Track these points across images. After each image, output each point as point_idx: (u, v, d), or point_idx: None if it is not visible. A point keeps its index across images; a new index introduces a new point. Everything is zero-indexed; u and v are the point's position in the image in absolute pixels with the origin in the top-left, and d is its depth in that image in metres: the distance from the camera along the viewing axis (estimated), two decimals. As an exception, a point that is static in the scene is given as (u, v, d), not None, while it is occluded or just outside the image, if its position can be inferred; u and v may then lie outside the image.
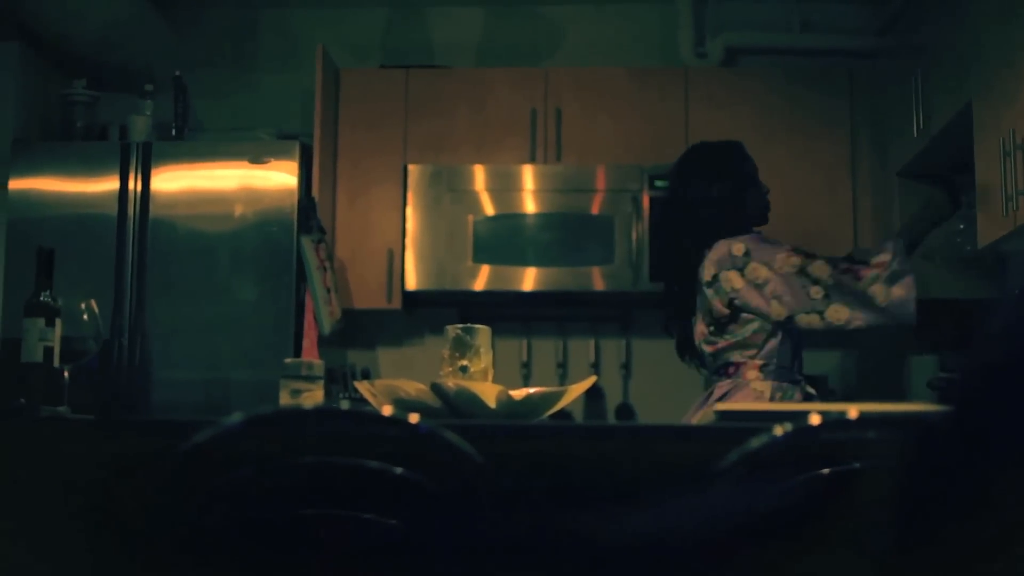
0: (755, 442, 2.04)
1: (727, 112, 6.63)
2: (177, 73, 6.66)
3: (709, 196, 4.71)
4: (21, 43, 6.53)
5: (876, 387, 6.46)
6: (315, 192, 6.27)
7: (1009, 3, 4.65)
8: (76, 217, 6.17)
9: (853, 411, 2.06)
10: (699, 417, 3.92)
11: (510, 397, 2.70)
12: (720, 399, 4.36)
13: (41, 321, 3.02)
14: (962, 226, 5.77)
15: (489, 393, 2.66)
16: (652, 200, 6.39)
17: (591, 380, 3.46)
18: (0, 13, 6.33)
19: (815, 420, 2.03)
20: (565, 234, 6.42)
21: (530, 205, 6.48)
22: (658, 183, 6.39)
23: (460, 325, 2.94)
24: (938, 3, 5.54)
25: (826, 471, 2.17)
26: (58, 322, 3.05)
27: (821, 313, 4.43)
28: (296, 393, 2.89)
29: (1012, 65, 4.59)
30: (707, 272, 4.60)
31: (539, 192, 6.47)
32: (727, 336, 4.55)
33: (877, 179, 6.55)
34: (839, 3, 7.06)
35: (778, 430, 2.04)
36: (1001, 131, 4.66)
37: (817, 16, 7.12)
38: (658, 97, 6.66)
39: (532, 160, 6.60)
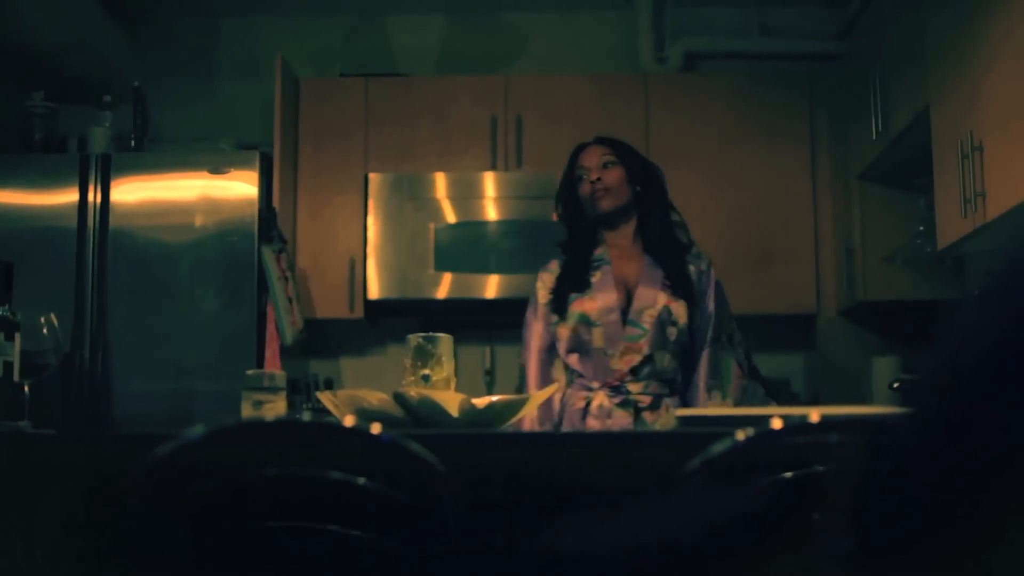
0: (717, 447, 2.05)
1: (687, 117, 6.66)
2: (136, 84, 6.64)
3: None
4: (-21, 55, 6.51)
5: (839, 389, 6.47)
6: (276, 202, 6.26)
7: (964, 6, 4.68)
8: (35, 229, 6.14)
9: (815, 414, 2.06)
10: (660, 423, 3.94)
11: (473, 406, 2.70)
12: None
13: (0, 335, 3.00)
14: (922, 228, 5.81)
15: (452, 402, 2.66)
16: (613, 206, 6.39)
17: (554, 387, 3.47)
18: (-43, 26, 6.31)
19: (777, 424, 2.03)
20: (527, 241, 6.43)
21: (492, 212, 6.49)
22: (619, 189, 6.40)
23: (422, 334, 2.93)
24: (895, 7, 5.58)
25: (789, 475, 2.17)
26: (17, 336, 3.03)
27: None
28: (258, 404, 2.88)
29: (968, 68, 4.62)
30: None
31: (500, 199, 6.47)
32: None
33: (837, 182, 6.58)
34: (798, 8, 7.09)
35: (740, 435, 2.04)
36: (959, 133, 4.69)
37: (776, 21, 7.15)
38: (618, 103, 6.67)
39: (493, 167, 6.61)
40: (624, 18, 7.21)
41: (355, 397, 2.79)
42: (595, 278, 4.24)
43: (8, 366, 3.00)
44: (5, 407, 2.98)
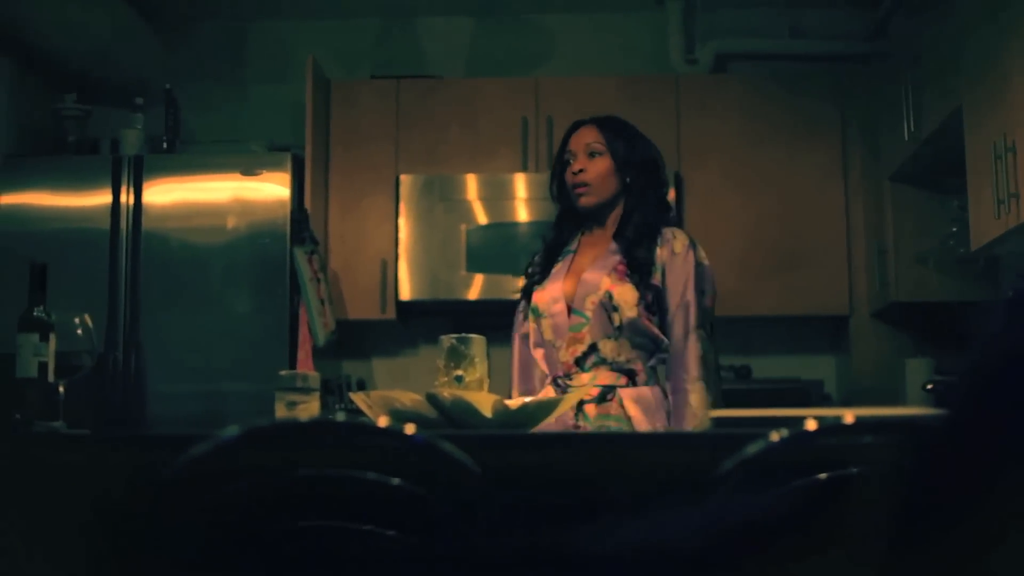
0: (752, 448, 2.04)
1: (718, 119, 6.65)
2: (168, 86, 6.66)
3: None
4: (12, 58, 6.53)
5: (872, 391, 6.45)
6: (307, 203, 6.27)
7: (997, 6, 4.65)
8: (68, 231, 6.16)
9: (849, 416, 2.06)
10: (696, 424, 3.91)
11: (506, 407, 2.70)
12: None
13: (35, 336, 3.01)
14: (954, 229, 5.78)
15: (485, 403, 2.65)
16: (644, 207, 6.39)
17: (586, 389, 3.47)
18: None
19: (811, 425, 2.03)
20: (558, 242, 6.42)
21: (523, 213, 6.48)
22: (651, 190, 6.39)
23: (455, 335, 2.93)
24: (927, 8, 5.55)
25: (823, 476, 2.17)
26: (52, 337, 3.04)
27: None
28: (292, 405, 2.89)
29: (1001, 68, 4.60)
30: None
31: (531, 200, 6.47)
32: None
33: (868, 183, 6.56)
34: (829, 9, 7.06)
35: (774, 436, 2.03)
36: (992, 134, 4.66)
37: (807, 22, 7.13)
38: (649, 105, 6.65)
39: (524, 169, 6.61)
40: (654, 19, 7.20)
41: (388, 398, 2.79)
42: (556, 268, 4.07)
43: (43, 367, 3.01)
44: (40, 407, 2.99)
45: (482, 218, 6.49)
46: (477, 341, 2.93)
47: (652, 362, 3.90)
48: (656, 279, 3.88)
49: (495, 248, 6.47)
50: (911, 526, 1.35)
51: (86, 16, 6.41)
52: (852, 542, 2.17)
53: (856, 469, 2.16)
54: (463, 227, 6.47)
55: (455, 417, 2.67)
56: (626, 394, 3.80)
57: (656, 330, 3.87)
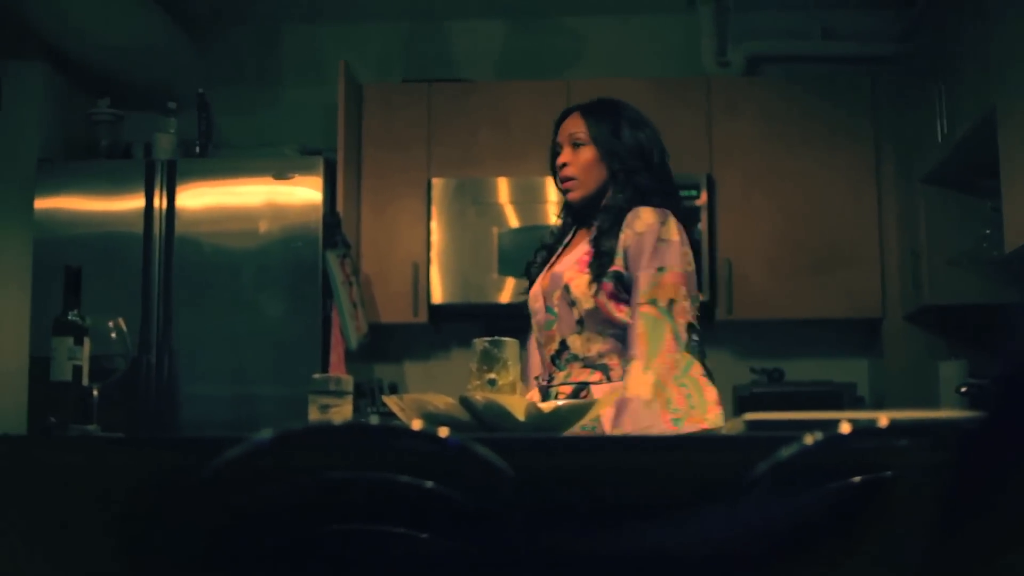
0: (785, 451, 2.04)
1: (750, 121, 6.63)
2: (200, 90, 6.68)
3: None
4: (45, 63, 6.56)
5: (905, 394, 6.43)
6: (340, 207, 6.28)
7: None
8: (102, 235, 6.19)
9: (883, 419, 2.05)
10: (728, 427, 3.87)
11: (539, 409, 2.69)
12: None
13: (70, 340, 3.02)
14: (988, 231, 5.76)
15: (518, 406, 2.65)
16: (676, 210, 6.38)
17: (619, 392, 3.46)
18: (25, 34, 6.36)
19: (846, 428, 2.02)
20: (590, 245, 6.42)
21: (554, 216, 6.43)
22: (683, 193, 6.38)
23: (487, 338, 2.93)
24: (960, 8, 5.53)
25: (857, 480, 2.16)
26: (86, 340, 3.05)
27: None
28: (325, 408, 2.89)
29: (1036, 69, 4.58)
30: None
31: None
32: None
33: (901, 185, 6.54)
34: (860, 10, 7.04)
35: (808, 439, 2.03)
36: (1026, 135, 4.65)
37: (839, 24, 7.11)
38: (680, 107, 6.65)
39: (555, 172, 6.60)
40: (686, 21, 7.19)
41: (421, 401, 2.79)
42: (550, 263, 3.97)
43: (77, 370, 3.02)
44: (74, 411, 3.00)
45: (514, 221, 6.49)
46: (510, 344, 2.92)
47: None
48: (619, 264, 3.69)
49: (527, 251, 6.40)
50: (947, 527, 1.34)
51: (120, 21, 6.44)
52: (887, 545, 2.16)
53: (890, 472, 2.15)
54: (495, 230, 6.47)
55: (488, 420, 2.68)
56: (598, 391, 3.64)
57: (629, 319, 3.67)
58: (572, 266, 3.78)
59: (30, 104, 6.56)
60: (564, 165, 3.92)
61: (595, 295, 3.68)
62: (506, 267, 6.43)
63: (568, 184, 3.92)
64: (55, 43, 6.51)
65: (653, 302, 3.59)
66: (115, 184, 6.28)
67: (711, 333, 6.84)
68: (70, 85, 6.82)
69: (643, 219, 3.71)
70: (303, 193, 6.16)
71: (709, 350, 6.81)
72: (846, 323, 6.82)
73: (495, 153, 6.67)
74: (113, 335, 3.15)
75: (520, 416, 2.65)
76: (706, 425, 3.40)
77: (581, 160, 3.88)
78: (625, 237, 3.70)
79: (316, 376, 2.98)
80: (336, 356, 6.07)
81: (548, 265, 3.95)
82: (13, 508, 2.54)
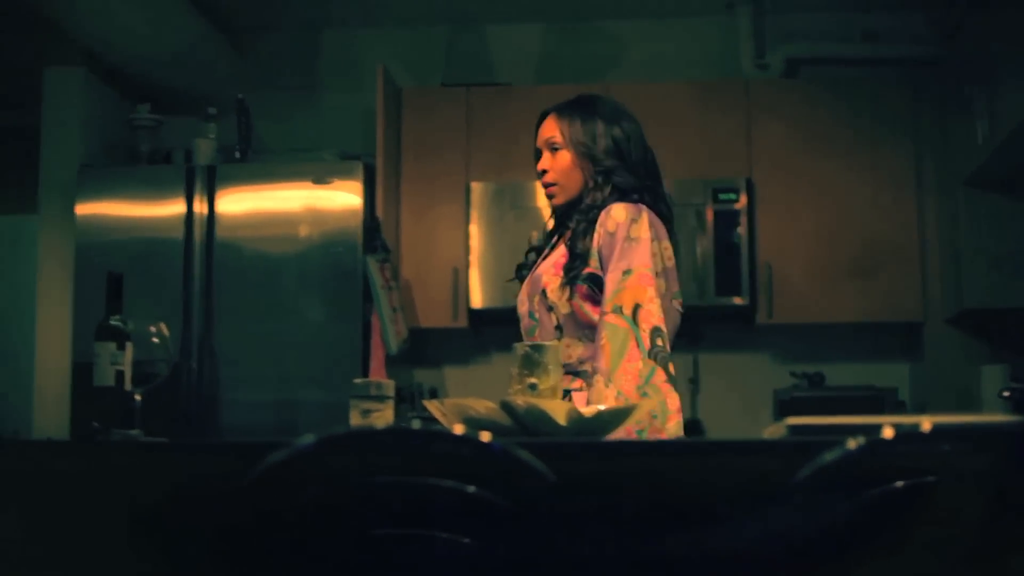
0: (828, 456, 2.03)
1: (789, 124, 6.62)
2: (240, 96, 6.70)
3: None
4: (87, 69, 6.61)
5: (947, 398, 6.40)
6: (379, 212, 6.28)
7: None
8: (143, 241, 6.22)
9: (926, 423, 2.04)
10: (771, 431, 3.84)
11: (580, 414, 2.69)
12: None
13: (112, 345, 3.04)
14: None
15: (559, 410, 2.65)
16: (716, 213, 6.38)
17: (663, 397, 3.45)
18: (66, 40, 6.40)
19: (888, 433, 2.02)
20: (629, 249, 6.41)
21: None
22: (722, 196, 6.38)
23: (528, 343, 2.93)
24: (1001, 8, 5.50)
25: (900, 484, 2.15)
26: (129, 346, 3.06)
27: None
28: (366, 413, 2.90)
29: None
30: None
31: (603, 207, 6.46)
32: None
33: (943, 188, 6.51)
34: (901, 12, 7.01)
35: (851, 443, 2.02)
36: (1069, 137, 4.62)
37: (878, 25, 7.07)
38: (720, 110, 6.65)
39: (595, 176, 6.59)
40: (724, 24, 7.17)
41: (462, 406, 2.79)
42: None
43: (120, 375, 3.04)
44: (117, 416, 3.01)
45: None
46: (551, 349, 2.92)
47: None
48: (593, 265, 3.62)
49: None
50: (993, 532, 1.34)
51: (160, 27, 6.47)
52: (929, 550, 2.15)
53: (933, 477, 2.14)
54: (534, 234, 6.44)
55: (529, 425, 2.67)
56: (579, 398, 3.53)
57: None
58: (549, 269, 3.74)
59: (72, 110, 6.60)
60: (544, 172, 3.89)
61: (569, 299, 3.63)
62: (546, 271, 6.42)
63: (550, 190, 3.88)
64: (96, 50, 6.55)
65: (618, 310, 3.49)
66: (156, 189, 6.31)
67: (751, 337, 6.84)
68: (111, 91, 6.86)
69: (613, 217, 3.63)
70: (343, 198, 6.17)
71: (749, 354, 6.86)
72: (887, 327, 6.79)
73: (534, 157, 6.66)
74: (155, 340, 3.17)
75: (561, 420, 2.65)
76: (665, 435, 3.33)
77: (559, 165, 3.85)
78: (598, 237, 3.65)
79: (357, 381, 2.99)
80: (376, 361, 6.08)
81: (534, 268, 3.89)
82: (56, 513, 2.56)
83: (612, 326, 3.46)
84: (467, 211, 6.58)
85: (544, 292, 3.69)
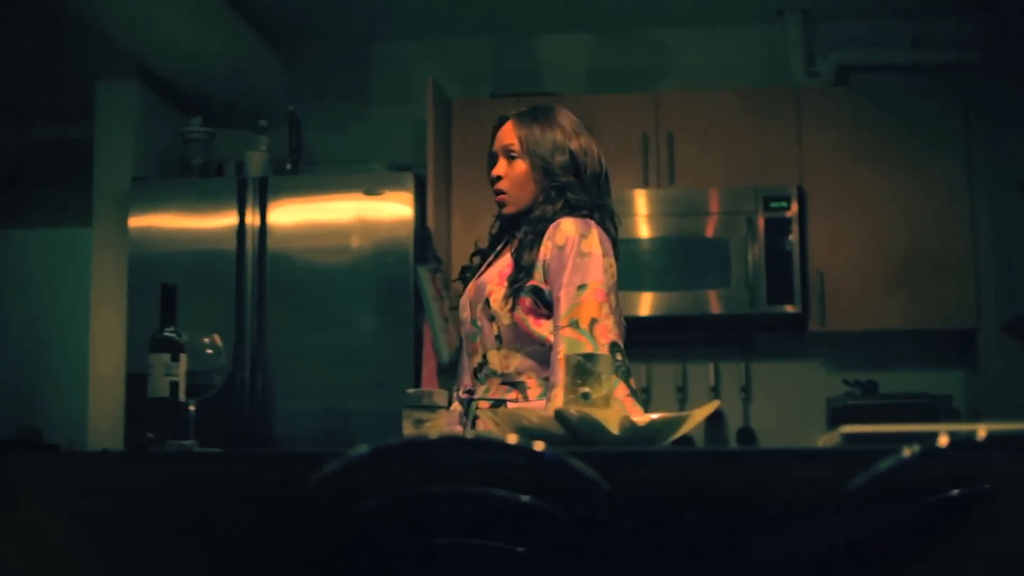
0: (883, 464, 2.02)
1: (840, 131, 6.59)
2: (291, 108, 6.73)
3: None
4: (139, 83, 6.66)
5: (1001, 406, 6.36)
6: (430, 222, 6.29)
7: None
8: (196, 253, 6.26)
9: (982, 431, 2.03)
10: (825, 439, 3.82)
11: (633, 423, 2.69)
12: None
13: (166, 356, 3.06)
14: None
15: (612, 420, 2.65)
16: (767, 221, 6.36)
17: (714, 404, 3.44)
18: (119, 54, 6.45)
19: (943, 441, 2.01)
20: (680, 258, 6.41)
21: (644, 230, 6.48)
22: (773, 204, 6.37)
23: (581, 352, 2.93)
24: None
25: (955, 492, 2.14)
26: (183, 357, 3.08)
27: None
28: (419, 423, 2.91)
29: None
30: None
31: (653, 216, 6.47)
32: None
33: (996, 194, 6.48)
34: (951, 18, 6.97)
35: (906, 451, 2.01)
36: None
37: (929, 31, 7.04)
38: (770, 118, 6.63)
39: (645, 185, 6.60)
40: (774, 32, 7.15)
41: (516, 415, 2.80)
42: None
43: (174, 386, 3.05)
44: (172, 426, 3.03)
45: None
46: (603, 358, 2.92)
47: (548, 373, 3.58)
48: (538, 278, 3.61)
49: (617, 265, 6.46)
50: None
51: (211, 40, 6.51)
52: (986, 558, 2.15)
53: (988, 485, 2.13)
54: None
55: (582, 434, 2.67)
56: (513, 408, 3.49)
57: (550, 336, 3.58)
58: (494, 279, 3.71)
59: (124, 123, 6.66)
60: (498, 178, 3.83)
61: (511, 310, 3.62)
62: (596, 280, 6.41)
63: (502, 198, 3.83)
64: (149, 63, 6.60)
65: (574, 324, 3.48)
66: (208, 201, 6.35)
67: (803, 345, 6.81)
68: (163, 104, 6.91)
69: (563, 231, 3.62)
70: (394, 209, 6.19)
71: (801, 362, 6.83)
72: (940, 334, 6.75)
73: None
74: (209, 351, 3.18)
75: (614, 430, 2.65)
76: None
77: (514, 173, 3.79)
78: (545, 250, 3.63)
79: (409, 391, 3.00)
80: (428, 371, 6.09)
81: (479, 273, 3.86)
82: (111, 524, 2.57)
83: (570, 340, 3.46)
84: (518, 221, 6.58)
85: (487, 301, 3.68)
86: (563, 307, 3.52)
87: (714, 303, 6.38)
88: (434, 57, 7.35)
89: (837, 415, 6.40)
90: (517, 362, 3.64)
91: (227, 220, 6.29)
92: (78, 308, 7.18)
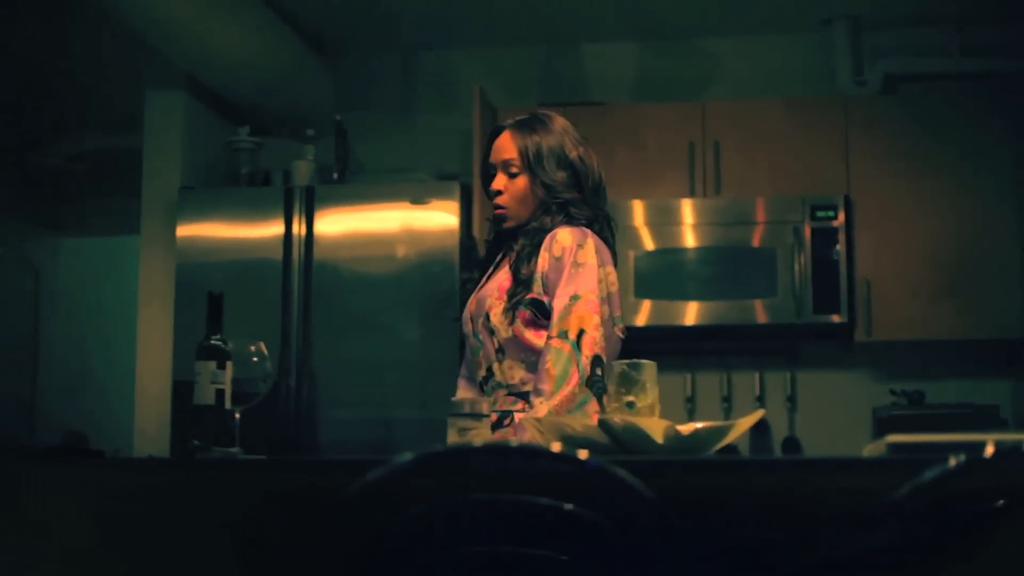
0: (929, 474, 2.01)
1: (888, 140, 6.57)
2: (337, 117, 6.76)
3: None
4: (187, 93, 6.70)
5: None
6: (476, 231, 6.30)
7: None
8: (242, 261, 6.28)
9: (1030, 440, 2.02)
10: (870, 449, 3.79)
11: (678, 432, 2.68)
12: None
13: (212, 364, 3.07)
14: None
15: (657, 428, 2.64)
16: (814, 231, 6.34)
17: (759, 413, 3.43)
18: (167, 64, 6.50)
19: (990, 451, 1.99)
20: (726, 267, 6.40)
21: (690, 239, 6.47)
22: (820, 213, 6.34)
23: (626, 361, 2.92)
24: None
25: (1001, 503, 2.13)
26: (229, 365, 3.10)
27: None
28: (463, 431, 2.91)
29: None
30: None
31: (699, 226, 6.45)
32: None
33: (1045, 203, 6.44)
34: (999, 26, 6.93)
35: (952, 461, 2.00)
36: None
37: (977, 40, 7.00)
38: (817, 127, 6.61)
39: (691, 194, 6.59)
40: (821, 40, 7.13)
41: (560, 423, 2.79)
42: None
43: (220, 394, 3.07)
44: (217, 434, 3.05)
45: (649, 244, 6.48)
46: (648, 367, 2.92)
47: None
48: (537, 290, 3.63)
49: (663, 274, 6.46)
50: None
51: (258, 51, 6.54)
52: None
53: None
54: (631, 253, 6.46)
55: (626, 442, 2.67)
56: (522, 418, 3.47)
57: None
58: (494, 292, 3.72)
59: (172, 133, 6.70)
60: (498, 192, 3.79)
61: (511, 323, 3.64)
62: (643, 290, 6.42)
63: (502, 212, 3.80)
64: (196, 74, 6.64)
65: (563, 335, 3.50)
66: (255, 211, 6.38)
67: (850, 355, 6.78)
68: (211, 114, 6.94)
69: (559, 242, 3.63)
70: (440, 218, 6.20)
71: (848, 372, 6.81)
72: (988, 344, 6.71)
73: (630, 176, 6.65)
74: (255, 359, 3.20)
75: (659, 438, 2.64)
76: None
77: (515, 189, 3.76)
78: (543, 261, 3.64)
79: (454, 399, 3.00)
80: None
81: (480, 286, 3.87)
82: (158, 530, 2.59)
83: (556, 350, 3.48)
84: (563, 230, 6.57)
85: (488, 315, 3.69)
86: (555, 316, 3.55)
87: (760, 312, 6.37)
88: (480, 66, 7.36)
89: (883, 425, 6.37)
90: (520, 373, 3.66)
91: (273, 229, 6.32)
92: (126, 316, 7.21)
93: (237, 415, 3.12)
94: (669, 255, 6.47)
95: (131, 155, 6.92)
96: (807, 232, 6.36)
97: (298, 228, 6.29)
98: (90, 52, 7.14)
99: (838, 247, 6.35)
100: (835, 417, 6.78)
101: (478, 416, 2.96)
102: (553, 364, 3.47)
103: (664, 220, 6.50)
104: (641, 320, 6.42)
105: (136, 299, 6.75)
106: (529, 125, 3.80)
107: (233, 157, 6.83)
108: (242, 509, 2.54)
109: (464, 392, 3.92)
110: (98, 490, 2.65)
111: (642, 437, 2.64)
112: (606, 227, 3.82)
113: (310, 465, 2.94)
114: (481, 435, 2.90)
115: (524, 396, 3.61)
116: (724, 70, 7.29)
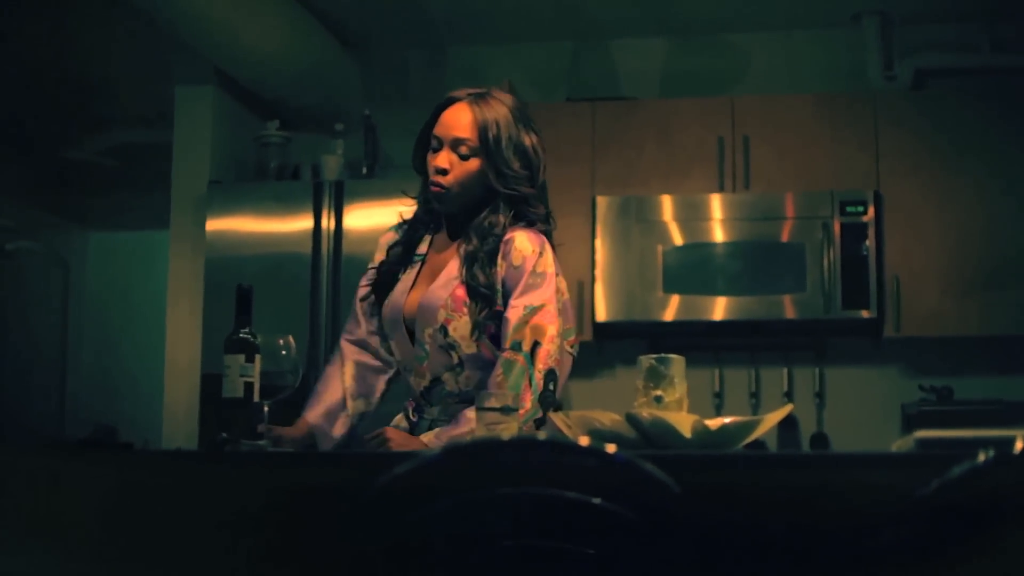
0: (957, 469, 2.01)
1: (918, 136, 6.54)
2: (367, 112, 6.76)
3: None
4: (216, 87, 6.71)
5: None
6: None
7: None
8: (271, 256, 6.29)
9: (1059, 437, 2.02)
10: (899, 445, 3.77)
11: (706, 427, 2.68)
12: None
13: (241, 357, 3.08)
14: None
15: (685, 423, 2.64)
16: (843, 226, 6.31)
17: (787, 409, 3.42)
18: (197, 59, 6.51)
19: (1019, 447, 1.99)
20: (755, 262, 6.38)
21: (719, 234, 6.45)
22: (849, 209, 6.32)
23: (654, 355, 2.92)
24: None
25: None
26: (257, 358, 3.11)
27: None
28: (491, 425, 2.91)
29: None
30: None
31: (728, 221, 6.44)
32: None
33: (1076, 198, 6.41)
34: (1031, 21, 6.92)
35: (980, 457, 2.00)
36: None
37: (1007, 35, 6.97)
38: (847, 122, 6.59)
39: (720, 189, 6.57)
40: (851, 36, 7.10)
41: (587, 418, 2.79)
42: (402, 276, 3.63)
43: (249, 387, 3.08)
44: (246, 427, 3.06)
45: (678, 239, 6.47)
46: (676, 361, 2.91)
47: None
48: (498, 302, 3.39)
49: (691, 269, 6.45)
50: None
51: (288, 45, 6.55)
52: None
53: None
54: (659, 248, 6.45)
55: (654, 437, 2.67)
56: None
57: None
58: (446, 302, 3.44)
59: (202, 127, 6.72)
60: (443, 172, 3.48)
61: (478, 340, 3.41)
62: (671, 285, 6.40)
63: (438, 191, 3.49)
64: (226, 68, 6.65)
65: (516, 346, 3.31)
66: (284, 205, 6.39)
67: (878, 351, 6.76)
68: (240, 109, 6.96)
69: (519, 250, 3.41)
70: (467, 212, 6.20)
71: (876, 367, 6.79)
72: (1017, 340, 6.67)
73: (659, 171, 6.65)
74: (283, 353, 3.21)
75: (686, 433, 2.64)
76: None
77: (463, 172, 3.47)
78: (501, 271, 3.41)
79: (482, 393, 3.00)
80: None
81: (410, 283, 3.61)
82: (185, 523, 2.59)
83: (509, 362, 3.30)
84: (592, 225, 6.57)
85: (445, 329, 3.43)
86: (510, 327, 3.34)
87: (789, 308, 6.35)
88: (509, 61, 7.36)
89: (912, 421, 6.36)
90: (477, 378, 3.45)
91: (303, 223, 6.33)
92: (155, 309, 7.25)
93: (266, 408, 3.13)
94: (698, 250, 6.46)
95: (161, 150, 6.95)
96: (836, 227, 6.34)
97: (327, 223, 6.30)
98: (120, 47, 7.16)
99: (867, 242, 6.33)
100: (863, 413, 6.76)
101: (506, 410, 2.96)
102: (505, 376, 3.29)
103: (693, 215, 6.49)
104: (669, 315, 6.41)
105: (165, 293, 6.77)
106: (486, 102, 3.53)
107: (262, 151, 6.85)
108: (270, 502, 2.55)
109: (348, 381, 3.82)
110: (126, 482, 2.66)
111: (670, 432, 2.64)
112: (551, 226, 3.59)
113: (338, 459, 2.94)
114: (509, 429, 2.89)
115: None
116: (753, 65, 7.28)
